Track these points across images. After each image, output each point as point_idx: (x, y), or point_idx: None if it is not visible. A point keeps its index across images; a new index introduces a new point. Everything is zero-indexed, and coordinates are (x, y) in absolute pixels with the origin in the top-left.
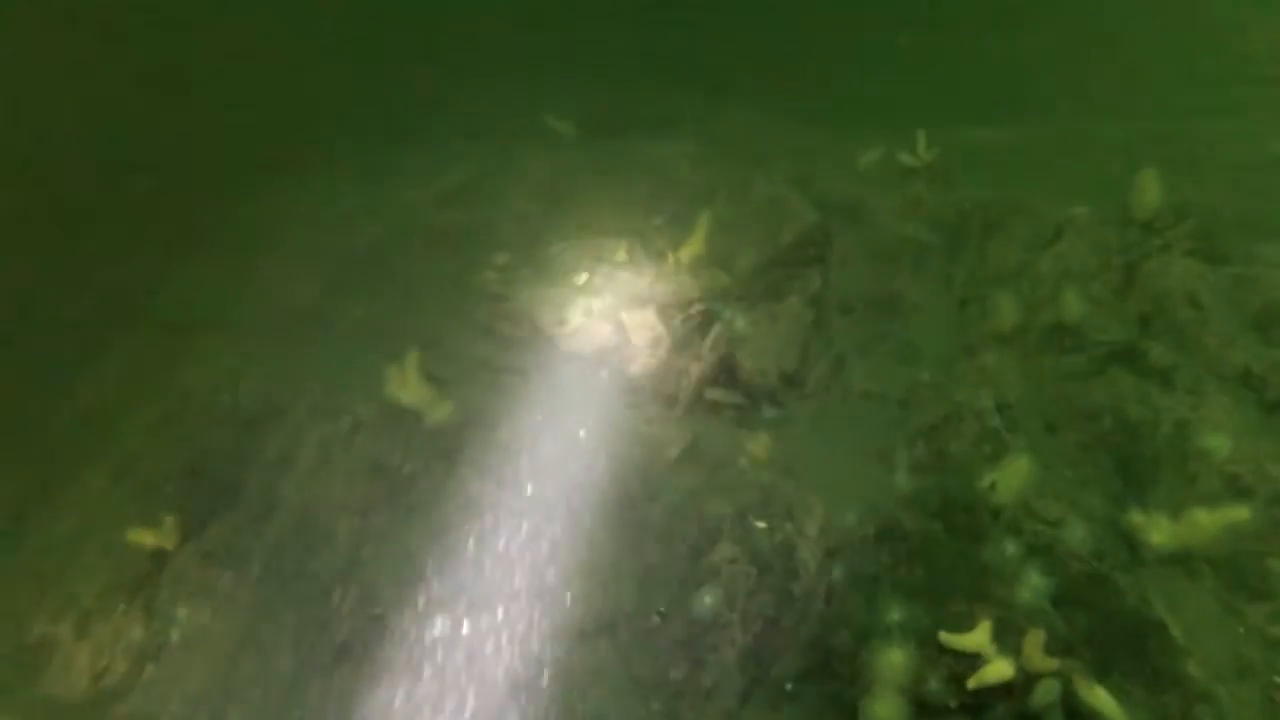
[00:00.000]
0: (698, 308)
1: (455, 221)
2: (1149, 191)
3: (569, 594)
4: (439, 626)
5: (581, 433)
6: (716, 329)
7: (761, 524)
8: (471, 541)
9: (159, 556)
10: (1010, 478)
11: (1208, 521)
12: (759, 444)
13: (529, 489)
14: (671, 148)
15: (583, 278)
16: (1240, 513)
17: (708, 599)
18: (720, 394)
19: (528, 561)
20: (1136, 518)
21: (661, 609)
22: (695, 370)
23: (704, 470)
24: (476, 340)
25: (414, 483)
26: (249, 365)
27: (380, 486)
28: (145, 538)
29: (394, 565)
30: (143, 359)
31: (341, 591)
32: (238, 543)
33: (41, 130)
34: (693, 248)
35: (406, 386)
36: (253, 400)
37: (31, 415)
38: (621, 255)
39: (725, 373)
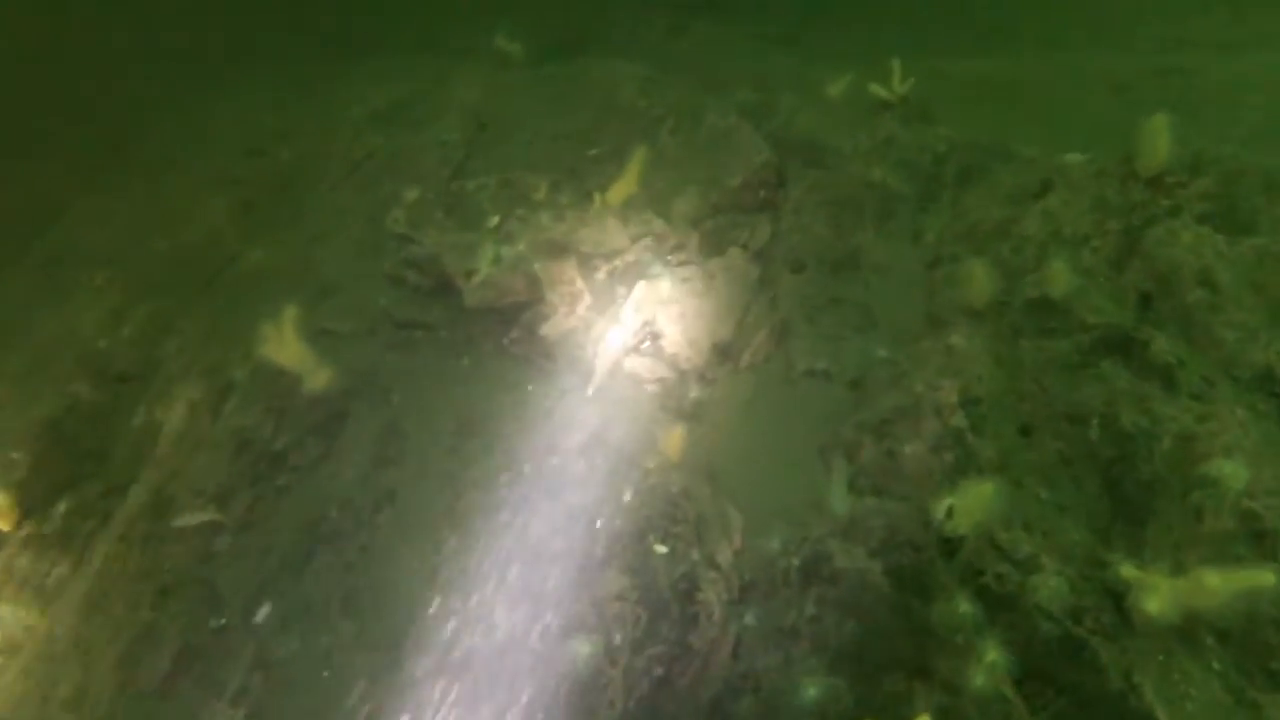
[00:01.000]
0: (625, 259)
1: (375, 147)
2: (1157, 141)
3: (425, 611)
4: (286, 645)
5: (476, 409)
6: (643, 287)
7: (662, 548)
8: (333, 542)
9: None
10: (972, 503)
11: (1217, 585)
12: (673, 439)
13: (407, 476)
14: (622, 69)
15: (494, 220)
16: (1262, 577)
17: (585, 648)
18: (642, 365)
19: (387, 573)
20: (1127, 571)
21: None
22: (615, 336)
23: (606, 465)
24: (380, 289)
25: (282, 462)
26: (134, 307)
27: (244, 465)
28: None
29: (247, 565)
30: (31, 296)
31: (183, 596)
32: (80, 528)
33: None
34: (624, 188)
35: (284, 346)
36: (130, 350)
37: None
38: (541, 194)
39: (650, 339)
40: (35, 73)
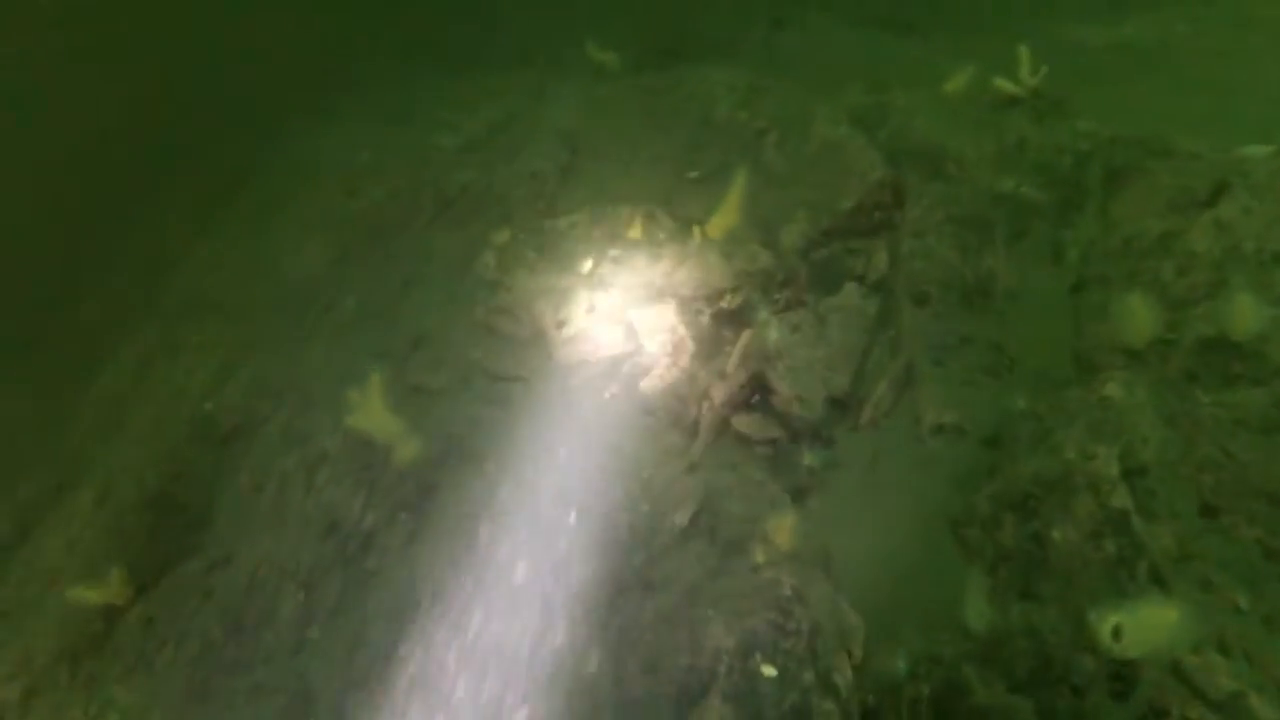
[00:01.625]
0: (729, 301)
1: (467, 182)
2: None
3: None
4: None
5: (576, 480)
6: (748, 335)
7: (770, 669)
8: (425, 631)
9: (111, 614)
10: (1147, 623)
11: None
12: (782, 527)
13: (505, 562)
14: (720, 77)
15: (588, 264)
16: None
17: None
18: (750, 424)
19: (491, 665)
20: None
21: None
22: (719, 392)
23: (715, 552)
24: (473, 338)
25: (371, 543)
26: (240, 360)
27: (332, 546)
28: (90, 595)
29: (337, 654)
30: (153, 350)
31: (275, 688)
32: (185, 606)
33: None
34: (724, 219)
35: (370, 415)
36: (233, 409)
37: (51, 416)
38: (637, 230)
39: (758, 394)
40: (152, 117)
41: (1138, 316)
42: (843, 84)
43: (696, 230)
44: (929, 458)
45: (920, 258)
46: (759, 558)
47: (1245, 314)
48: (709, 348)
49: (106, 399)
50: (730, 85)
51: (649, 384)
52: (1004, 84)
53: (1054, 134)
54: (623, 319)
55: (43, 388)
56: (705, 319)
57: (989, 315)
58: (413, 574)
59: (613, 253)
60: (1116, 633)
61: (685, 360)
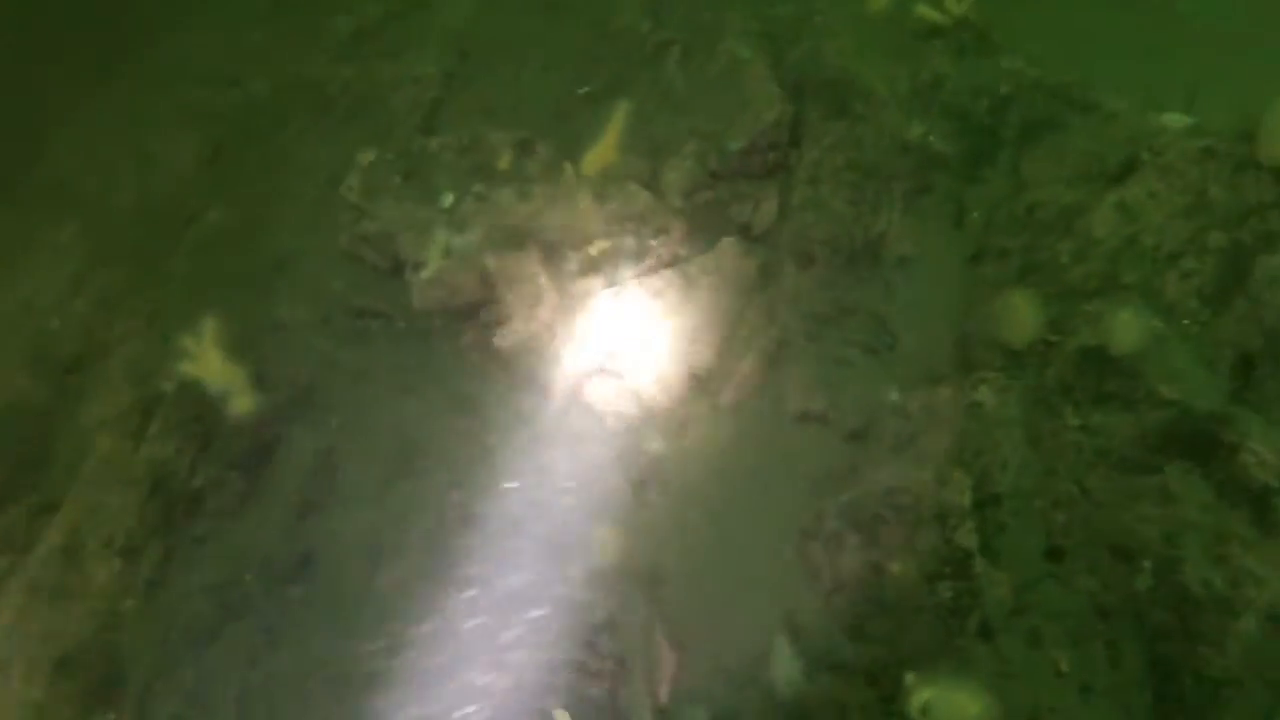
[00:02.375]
0: (598, 248)
1: (349, 80)
2: None
3: None
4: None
5: (419, 436)
6: (614, 291)
7: (563, 715)
8: (242, 617)
9: None
10: (954, 709)
11: None
12: (606, 539)
13: (328, 532)
14: None
15: (448, 199)
16: None
17: None
18: (602, 396)
19: (285, 666)
20: None
21: None
22: (573, 355)
23: (535, 560)
24: (336, 267)
25: (200, 506)
26: (92, 272)
27: (155, 508)
28: None
29: (152, 638)
30: (9, 245)
31: (80, 671)
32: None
33: None
34: (600, 156)
35: (204, 363)
36: (78, 332)
37: None
38: (506, 162)
39: (617, 360)
40: None
41: (1022, 319)
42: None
43: (568, 167)
44: (789, 450)
45: (811, 209)
46: (574, 571)
47: (1128, 327)
48: (571, 302)
49: None
50: None
51: (504, 337)
52: (927, 10)
53: (974, 72)
54: (480, 267)
55: None
56: (571, 268)
57: (875, 284)
58: (239, 545)
59: (476, 188)
60: (925, 710)
61: (545, 313)
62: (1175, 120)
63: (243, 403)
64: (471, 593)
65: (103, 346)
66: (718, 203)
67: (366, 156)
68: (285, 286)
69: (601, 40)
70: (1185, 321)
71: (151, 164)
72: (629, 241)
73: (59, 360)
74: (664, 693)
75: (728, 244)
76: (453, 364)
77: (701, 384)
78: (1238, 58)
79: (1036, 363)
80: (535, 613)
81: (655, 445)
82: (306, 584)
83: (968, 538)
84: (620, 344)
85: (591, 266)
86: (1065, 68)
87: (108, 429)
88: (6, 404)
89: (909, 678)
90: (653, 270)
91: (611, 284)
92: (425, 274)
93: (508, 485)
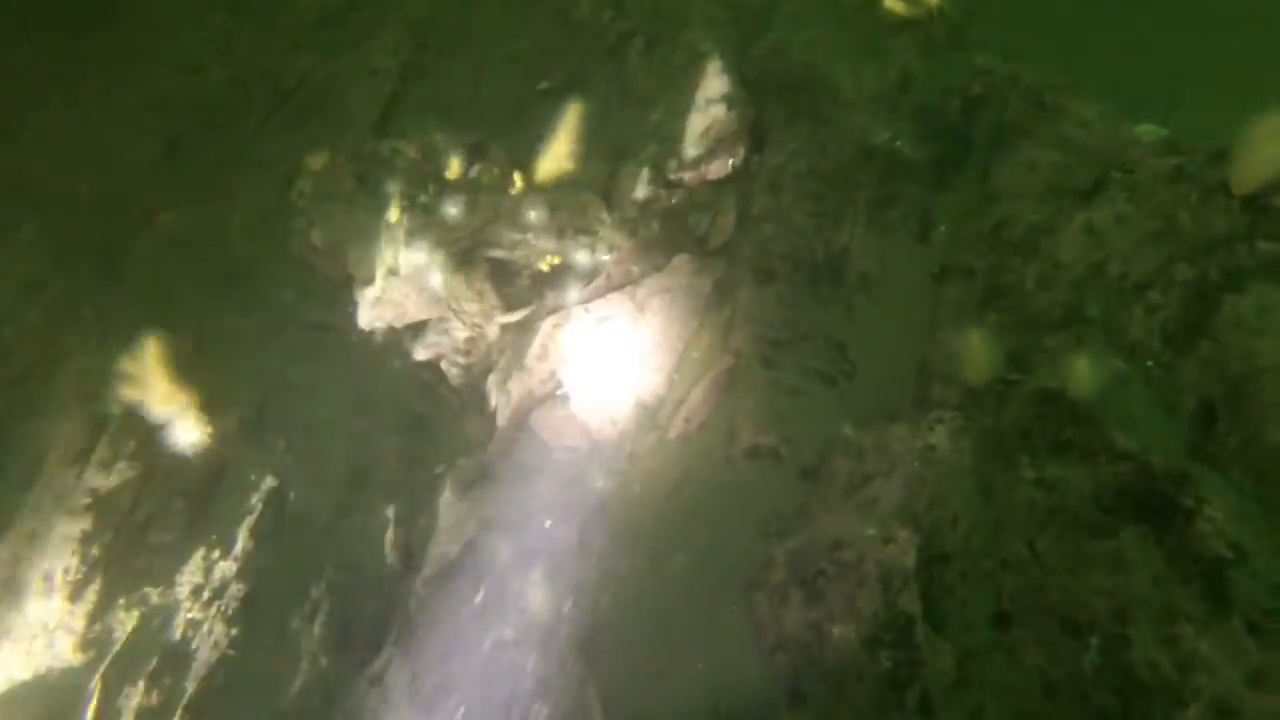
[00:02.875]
0: (546, 264)
1: (307, 72)
2: (1269, 146)
3: None
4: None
5: (365, 464)
6: (561, 314)
7: None
8: (165, 676)
9: None
10: None
11: None
12: (537, 592)
13: (260, 588)
14: None
15: (395, 214)
16: None
17: None
18: (548, 426)
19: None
20: None
21: None
22: (518, 384)
23: (472, 606)
24: (286, 277)
25: (141, 541)
26: (52, 275)
27: (102, 539)
28: None
29: (84, 684)
30: None
31: (21, 697)
32: None
33: None
34: (553, 164)
35: (150, 388)
36: (31, 339)
37: None
38: (455, 171)
39: (563, 388)
40: None
41: (979, 359)
42: None
43: (519, 177)
44: (738, 488)
45: (771, 220)
46: (507, 631)
47: (1088, 370)
48: (520, 321)
49: None
50: None
51: (453, 357)
52: (895, 5)
53: (945, 70)
54: (427, 281)
55: None
56: (521, 285)
57: (836, 305)
58: (172, 594)
59: (423, 199)
60: None
61: (492, 333)
62: (1149, 133)
63: (188, 428)
64: (402, 645)
65: (54, 359)
66: (674, 213)
67: (319, 160)
68: (237, 296)
69: (562, 31)
70: (1148, 363)
71: (110, 157)
72: (580, 256)
73: (10, 370)
74: None
75: (681, 261)
76: (402, 381)
77: (650, 414)
78: (1223, 65)
79: (995, 403)
80: (465, 669)
81: (600, 483)
82: (247, 624)
83: (911, 602)
84: (569, 369)
85: (541, 284)
86: (1042, 65)
87: (54, 450)
88: None
89: None
90: (604, 289)
91: (561, 303)
92: (372, 292)
93: (449, 527)
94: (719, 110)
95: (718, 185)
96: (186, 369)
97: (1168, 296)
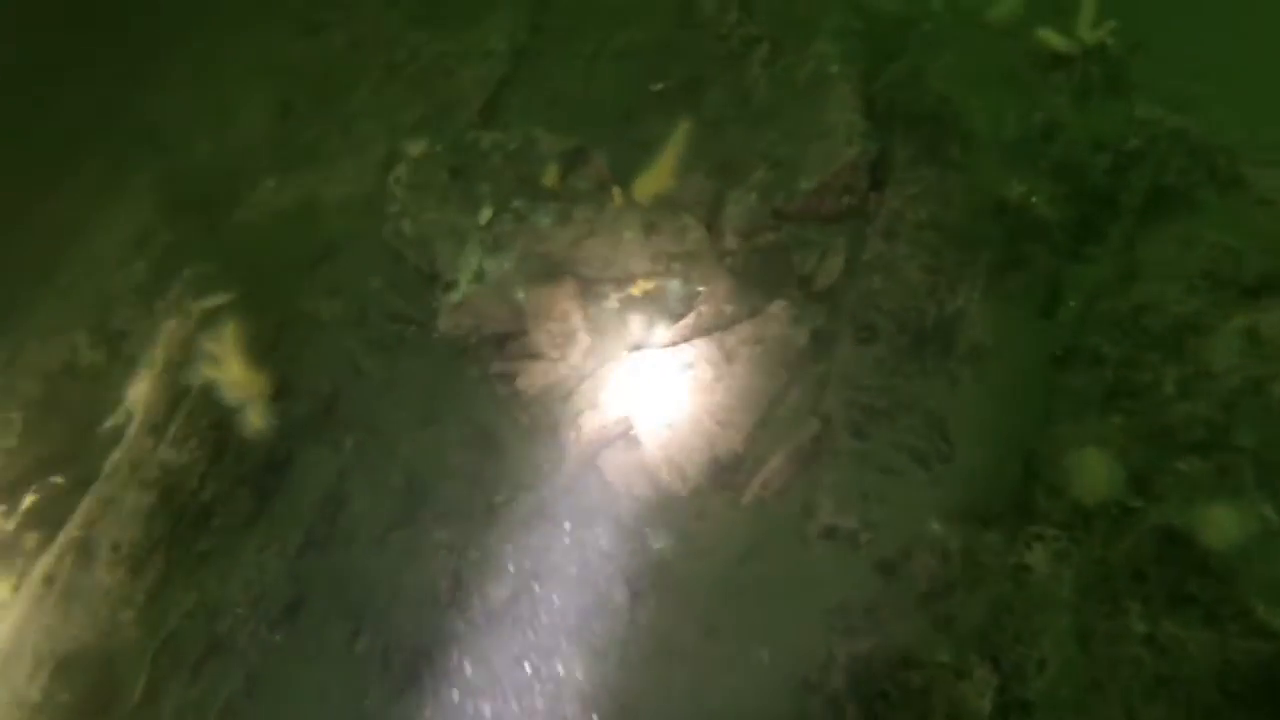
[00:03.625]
0: (639, 289)
1: (418, 46)
2: None
3: None
4: None
5: (430, 474)
6: (646, 349)
7: None
8: (226, 652)
9: None
10: None
11: None
12: (579, 654)
13: (323, 575)
14: None
15: (486, 214)
16: None
17: None
18: (616, 470)
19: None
20: None
21: None
22: (590, 421)
23: (514, 681)
24: (375, 262)
25: (206, 522)
26: (155, 232)
27: (163, 520)
28: None
29: (144, 654)
30: (98, 188)
31: (76, 675)
32: (29, 538)
33: None
34: (654, 182)
35: (225, 367)
36: (131, 299)
37: None
38: (552, 177)
39: (637, 430)
40: None
41: (1094, 476)
42: None
43: (618, 192)
44: (809, 569)
45: (882, 270)
46: (540, 703)
47: (1227, 517)
48: (604, 348)
49: (47, 235)
50: None
51: (529, 376)
52: (1049, 36)
53: (1098, 119)
54: (512, 292)
55: None
56: (608, 308)
57: (941, 376)
58: (237, 571)
59: (516, 204)
60: None
61: (575, 358)
62: None
63: (259, 415)
64: (438, 683)
65: (152, 315)
66: (778, 248)
67: (418, 147)
68: (326, 275)
69: (684, 28)
70: None
71: (228, 116)
72: (674, 285)
73: (112, 327)
74: None
75: (779, 308)
76: (476, 392)
77: (725, 474)
78: None
79: (1107, 530)
80: None
81: (662, 543)
82: (290, 631)
83: None
84: (646, 410)
85: (630, 309)
86: (1221, 121)
87: (137, 417)
88: (64, 365)
89: None
90: (693, 331)
91: (649, 335)
92: (455, 296)
93: (500, 566)
94: (840, 141)
95: (828, 223)
96: (266, 348)
97: None
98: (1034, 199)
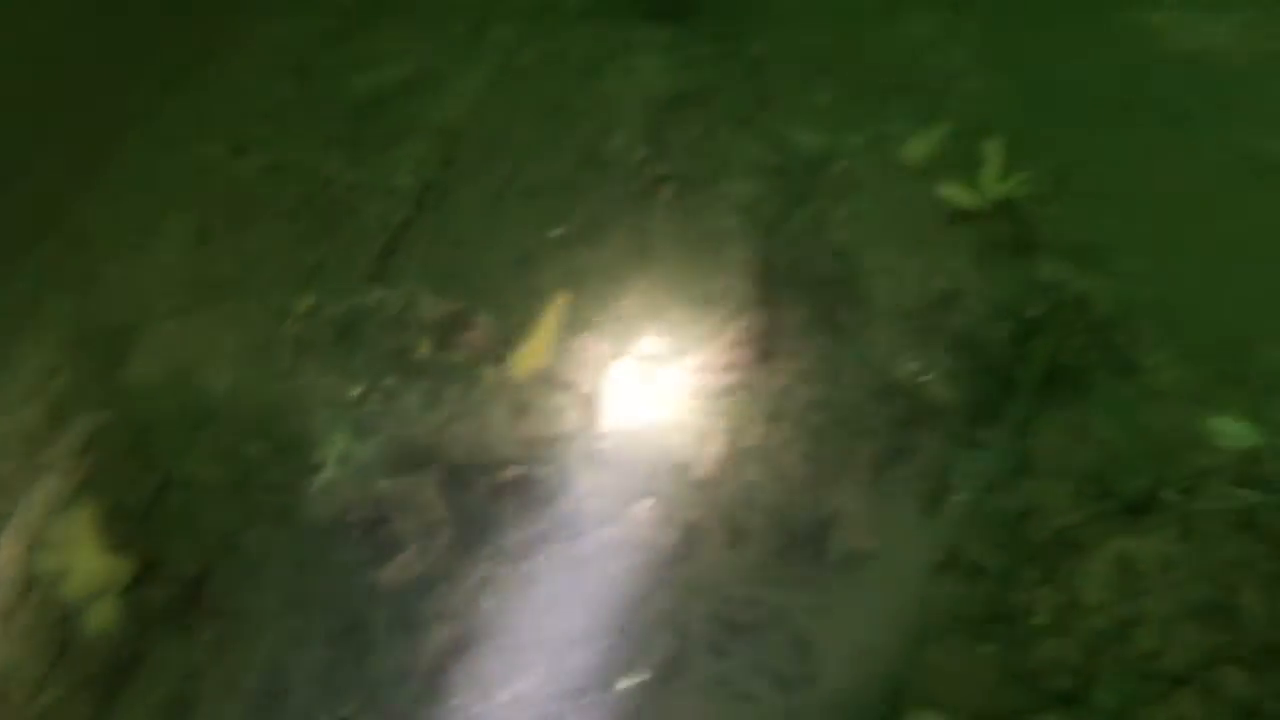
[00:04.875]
0: (510, 473)
1: (331, 175)
2: None
3: None
4: None
5: (283, 684)
6: (509, 543)
7: None
8: None
9: None
10: None
11: None
12: None
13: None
14: (644, 80)
15: (356, 389)
16: None
17: None
18: (465, 686)
19: None
20: None
21: None
22: (451, 624)
23: None
24: (259, 424)
25: None
26: (52, 377)
27: (6, 705)
28: None
29: None
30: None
31: None
32: None
33: None
34: (531, 356)
35: (78, 556)
36: (7, 465)
37: None
38: (425, 350)
39: (490, 640)
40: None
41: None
42: (798, 100)
43: (493, 366)
44: None
45: (761, 460)
46: None
47: None
48: (467, 540)
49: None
50: (647, 94)
51: (392, 570)
52: (953, 192)
53: (1000, 282)
54: (374, 481)
55: None
56: (476, 495)
57: (810, 589)
58: None
59: (389, 380)
60: None
61: (437, 549)
62: (1233, 433)
63: (110, 609)
64: None
65: (34, 469)
66: (653, 432)
67: (308, 300)
68: (209, 437)
69: (590, 167)
70: None
71: (148, 234)
72: (544, 473)
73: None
74: None
75: (643, 508)
76: (346, 580)
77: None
78: None
79: None
80: None
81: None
82: None
83: None
84: (499, 621)
85: (496, 499)
86: (1131, 277)
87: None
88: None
89: None
90: (560, 533)
91: (513, 529)
92: (322, 478)
93: None
94: (729, 308)
95: (710, 400)
96: (136, 521)
97: (1209, 710)
98: (928, 377)
